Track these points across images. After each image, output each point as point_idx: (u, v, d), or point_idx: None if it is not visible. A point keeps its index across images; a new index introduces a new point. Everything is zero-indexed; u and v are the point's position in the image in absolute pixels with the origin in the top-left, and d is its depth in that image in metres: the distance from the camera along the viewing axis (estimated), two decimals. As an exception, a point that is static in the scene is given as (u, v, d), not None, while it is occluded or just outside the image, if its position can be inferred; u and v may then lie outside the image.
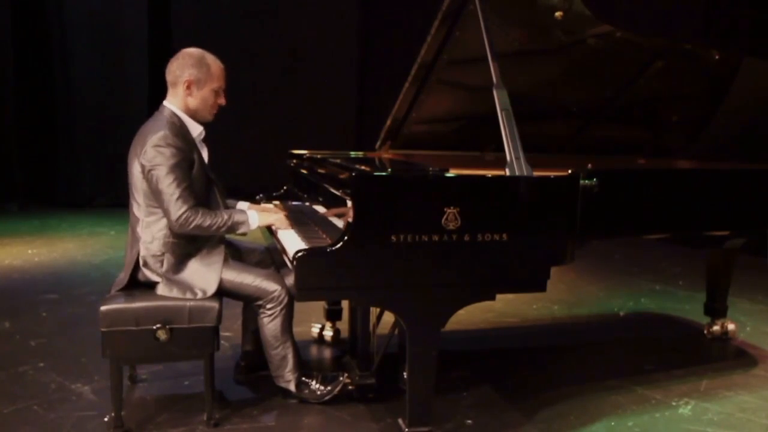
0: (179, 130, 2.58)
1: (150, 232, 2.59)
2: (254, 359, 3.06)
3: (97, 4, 8.43)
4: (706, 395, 3.07)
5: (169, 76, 2.65)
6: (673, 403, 2.97)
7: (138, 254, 2.61)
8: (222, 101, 2.71)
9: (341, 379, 2.82)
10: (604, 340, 3.94)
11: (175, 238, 2.59)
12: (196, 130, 2.67)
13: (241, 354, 3.15)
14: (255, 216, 2.70)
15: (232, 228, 2.63)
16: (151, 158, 2.49)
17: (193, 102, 2.64)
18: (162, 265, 2.58)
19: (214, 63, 2.67)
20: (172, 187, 2.48)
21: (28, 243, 6.20)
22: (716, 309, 3.83)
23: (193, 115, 2.66)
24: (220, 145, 8.88)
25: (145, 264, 2.60)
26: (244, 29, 8.85)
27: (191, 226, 2.51)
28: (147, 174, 2.52)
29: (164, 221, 2.57)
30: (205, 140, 2.73)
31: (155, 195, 2.53)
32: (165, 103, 2.66)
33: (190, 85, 2.61)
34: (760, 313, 4.41)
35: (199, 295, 2.56)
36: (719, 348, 3.78)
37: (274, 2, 8.88)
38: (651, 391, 3.10)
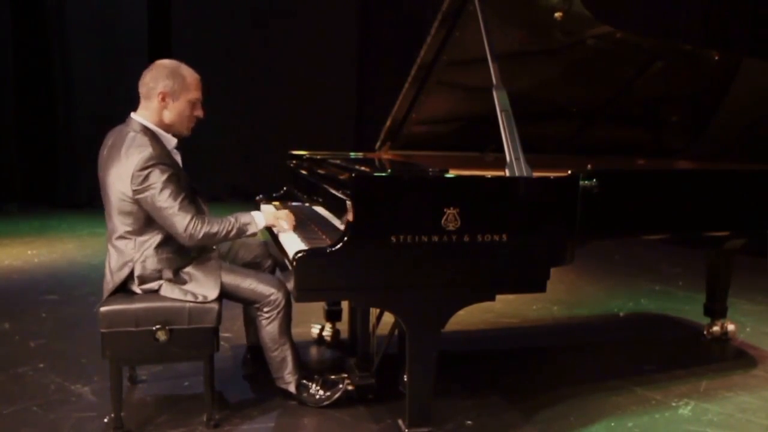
0: (159, 145, 2.51)
1: (142, 251, 2.54)
2: (259, 352, 3.06)
3: (97, 4, 8.43)
4: (706, 396, 3.07)
5: (143, 88, 2.56)
6: (673, 404, 2.97)
7: (131, 273, 2.55)
8: (199, 113, 2.64)
9: (341, 385, 2.81)
10: (603, 341, 3.94)
11: (169, 253, 2.56)
12: (171, 142, 2.60)
13: (246, 347, 3.16)
14: (260, 215, 2.67)
15: (241, 230, 2.58)
16: (140, 182, 2.42)
17: (168, 115, 2.56)
18: (161, 278, 2.57)
19: (189, 73, 2.59)
20: (169, 201, 2.43)
21: (28, 244, 6.20)
22: (716, 310, 3.83)
23: (168, 128, 2.58)
24: (221, 145, 8.93)
25: (143, 282, 2.55)
26: (243, 29, 8.85)
27: (201, 235, 2.47)
28: (141, 196, 2.44)
29: (157, 239, 2.53)
30: (177, 148, 2.65)
31: (153, 214, 2.47)
32: (134, 116, 2.57)
33: (164, 97, 2.53)
34: (759, 314, 4.41)
35: (200, 299, 2.55)
36: (719, 349, 3.78)
37: (273, 2, 8.88)
38: (651, 391, 3.10)
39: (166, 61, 2.61)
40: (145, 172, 2.42)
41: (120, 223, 2.54)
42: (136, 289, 2.57)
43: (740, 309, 4.40)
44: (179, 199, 2.46)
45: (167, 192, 2.44)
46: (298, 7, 8.85)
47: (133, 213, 2.50)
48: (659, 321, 4.32)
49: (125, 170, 2.44)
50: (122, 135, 2.53)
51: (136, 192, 2.44)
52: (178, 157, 2.66)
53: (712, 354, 3.72)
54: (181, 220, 2.45)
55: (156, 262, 2.55)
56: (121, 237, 2.56)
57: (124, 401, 2.67)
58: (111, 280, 2.59)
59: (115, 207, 2.52)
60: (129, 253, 2.55)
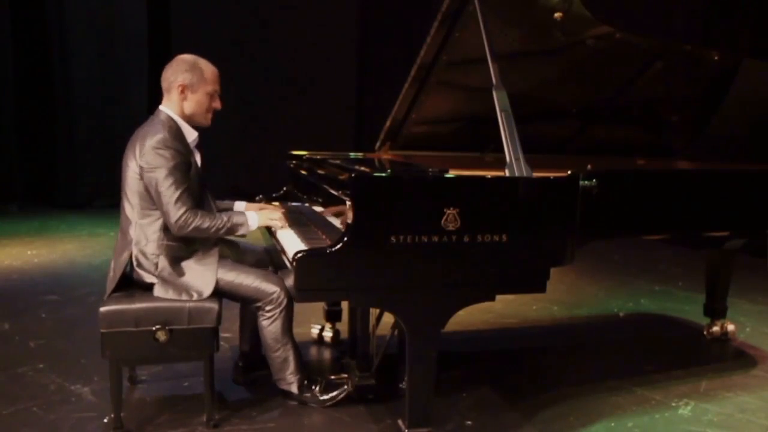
0: (176, 133, 2.60)
1: (144, 234, 2.58)
2: (252, 359, 3.07)
3: (97, 4, 8.43)
4: (706, 396, 3.07)
5: (164, 82, 2.66)
6: (673, 404, 2.97)
7: (130, 256, 2.60)
8: (217, 105, 2.72)
9: (345, 387, 2.82)
10: (603, 341, 3.94)
11: (170, 240, 2.59)
12: (192, 135, 2.68)
13: (239, 354, 3.15)
14: (254, 217, 2.71)
15: (231, 230, 2.64)
16: (150, 160, 2.50)
17: (188, 106, 2.64)
18: (156, 267, 2.58)
19: (207, 67, 2.68)
20: (171, 189, 2.50)
21: (28, 244, 6.20)
22: (716, 310, 3.83)
23: (190, 119, 2.67)
24: (221, 145, 8.97)
25: (139, 264, 2.59)
26: (243, 29, 8.85)
27: (190, 228, 2.52)
28: (145, 176, 2.53)
29: (159, 223, 2.58)
30: (198, 146, 2.73)
31: (154, 197, 2.54)
32: (161, 107, 2.67)
33: (184, 90, 2.62)
34: (759, 314, 4.41)
35: (195, 296, 2.55)
36: (719, 349, 3.78)
37: (273, 2, 8.88)
38: (651, 391, 3.10)
39: (185, 56, 2.70)
40: (155, 151, 2.50)
41: (128, 204, 2.61)
42: (135, 274, 2.59)
43: (740, 309, 4.40)
44: (180, 190, 2.51)
45: (171, 179, 2.50)
46: (298, 7, 8.85)
47: (141, 194, 2.57)
48: (659, 321, 4.32)
49: (139, 148, 2.54)
50: (147, 122, 2.65)
51: (142, 169, 2.53)
52: (197, 155, 2.72)
53: (712, 354, 3.72)
54: (176, 211, 2.50)
55: (156, 248, 2.58)
56: (128, 218, 2.62)
57: (124, 401, 2.68)
58: (113, 268, 2.64)
59: (128, 187, 2.60)
60: (131, 235, 2.60)
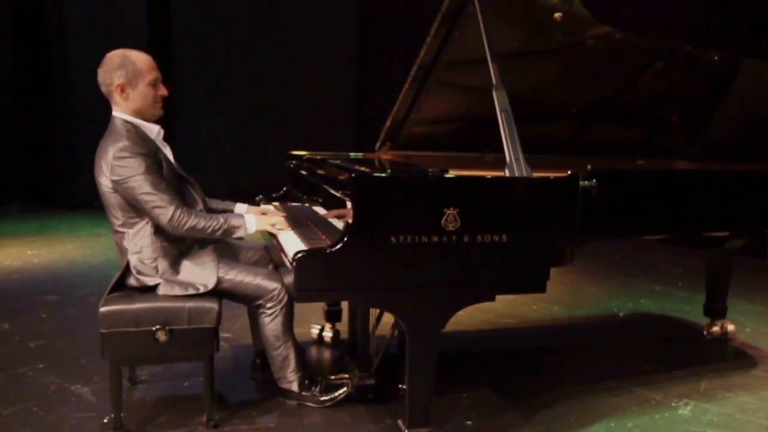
0: (137, 135, 2.53)
1: (136, 243, 2.56)
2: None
3: (97, 4, 8.43)
4: (706, 396, 3.07)
5: (102, 87, 2.58)
6: (673, 404, 2.97)
7: (128, 265, 2.58)
8: (163, 92, 2.64)
9: (345, 389, 2.82)
10: (603, 341, 3.94)
11: (164, 241, 2.57)
12: (153, 130, 2.62)
13: (255, 353, 3.15)
14: (252, 220, 2.68)
15: (228, 232, 2.60)
16: (120, 173, 2.45)
17: (134, 103, 2.57)
18: (157, 270, 2.57)
19: (138, 57, 2.59)
20: (151, 194, 2.45)
21: (28, 244, 6.20)
22: (716, 310, 3.83)
23: (141, 115, 2.60)
24: (221, 145, 8.92)
25: (139, 273, 2.57)
26: (243, 29, 8.85)
27: (185, 228, 2.50)
28: (121, 188, 2.48)
29: (148, 229, 2.55)
30: (165, 139, 2.67)
31: (137, 205, 2.49)
32: (113, 113, 2.60)
33: (123, 89, 2.55)
34: (759, 314, 4.41)
35: (201, 289, 2.55)
36: (719, 349, 3.78)
37: (274, 3, 8.89)
38: (651, 392, 3.10)
39: (113, 53, 2.62)
40: (122, 162, 2.45)
41: (113, 218, 2.58)
42: (133, 281, 2.58)
43: (740, 309, 4.40)
44: (160, 191, 2.47)
45: (148, 183, 2.45)
46: (299, 6, 8.85)
47: (122, 205, 2.53)
48: (659, 321, 4.32)
49: (105, 163, 2.48)
50: (107, 133, 2.59)
51: (116, 183, 2.48)
52: (166, 148, 2.67)
53: (712, 354, 3.72)
54: (165, 212, 2.47)
55: (152, 252, 2.56)
56: (116, 232, 2.60)
57: (124, 401, 2.68)
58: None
59: (108, 202, 2.56)
60: (125, 246, 2.58)
